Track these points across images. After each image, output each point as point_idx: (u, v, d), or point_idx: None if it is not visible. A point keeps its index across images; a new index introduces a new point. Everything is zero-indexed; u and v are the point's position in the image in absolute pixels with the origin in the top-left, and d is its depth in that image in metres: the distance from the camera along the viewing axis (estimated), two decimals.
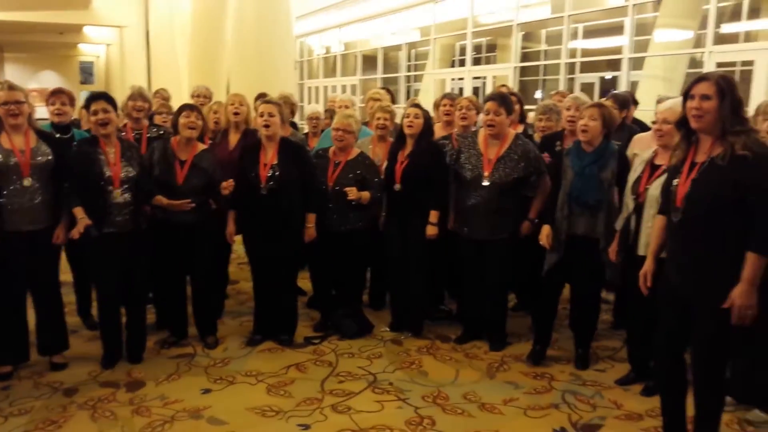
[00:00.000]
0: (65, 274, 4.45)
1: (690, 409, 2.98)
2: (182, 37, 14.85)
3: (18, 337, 3.85)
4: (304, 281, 5.33)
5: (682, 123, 2.79)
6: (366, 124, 5.26)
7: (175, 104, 5.65)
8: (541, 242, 3.90)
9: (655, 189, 3.43)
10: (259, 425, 3.32)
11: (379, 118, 4.72)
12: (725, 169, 2.61)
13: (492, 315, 4.34)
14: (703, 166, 2.69)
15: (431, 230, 4.28)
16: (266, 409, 3.48)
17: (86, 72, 28.78)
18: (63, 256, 4.07)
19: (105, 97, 3.82)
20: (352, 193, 4.22)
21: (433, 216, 4.28)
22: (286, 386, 3.77)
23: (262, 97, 5.92)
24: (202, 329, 4.38)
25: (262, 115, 4.15)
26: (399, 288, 4.60)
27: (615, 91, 5.24)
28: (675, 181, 2.79)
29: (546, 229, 3.90)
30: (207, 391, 3.70)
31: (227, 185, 4.07)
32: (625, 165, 3.80)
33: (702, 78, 2.71)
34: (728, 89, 2.63)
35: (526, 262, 4.25)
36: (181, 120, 4.09)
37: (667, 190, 2.85)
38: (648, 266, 3.04)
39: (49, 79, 25.13)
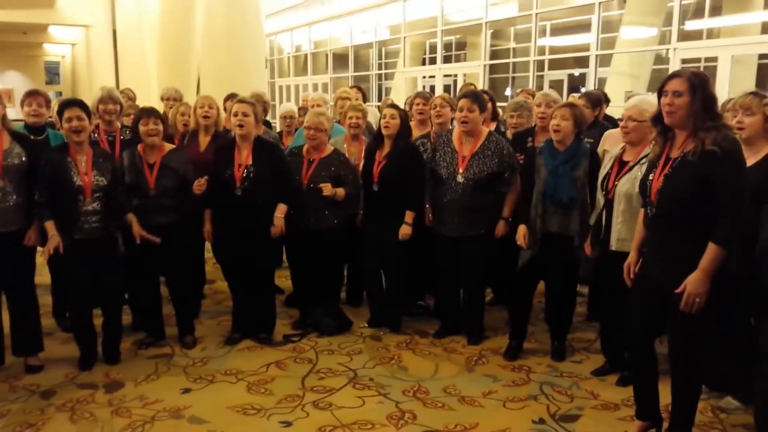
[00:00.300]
0: (43, 276, 4.41)
1: (665, 398, 3.07)
2: (151, 37, 14.68)
3: None
4: (282, 280, 5.33)
5: (657, 119, 2.86)
6: (339, 122, 5.27)
7: (145, 104, 5.61)
8: (518, 242, 3.96)
9: (623, 185, 3.51)
10: (240, 423, 3.32)
11: (351, 117, 4.74)
12: (695, 164, 2.68)
13: (469, 310, 4.39)
14: (676, 161, 2.77)
15: (405, 230, 4.32)
16: (247, 407, 3.48)
17: (52, 72, 28.25)
18: (39, 258, 4.02)
19: (79, 104, 3.79)
20: (327, 189, 4.24)
21: (409, 216, 4.32)
22: (267, 384, 3.77)
23: (232, 97, 5.93)
24: (180, 329, 4.36)
25: (236, 115, 4.14)
26: (376, 285, 4.63)
27: (587, 90, 5.33)
28: (650, 176, 2.87)
29: (522, 229, 3.95)
30: (187, 390, 3.69)
31: (199, 184, 4.06)
32: (596, 163, 3.88)
33: (674, 75, 2.78)
34: (700, 86, 2.70)
35: (503, 257, 4.31)
36: (141, 128, 4.08)
37: (643, 185, 2.92)
38: (632, 258, 3.10)
39: (14, 80, 24.61)
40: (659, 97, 2.81)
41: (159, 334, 4.35)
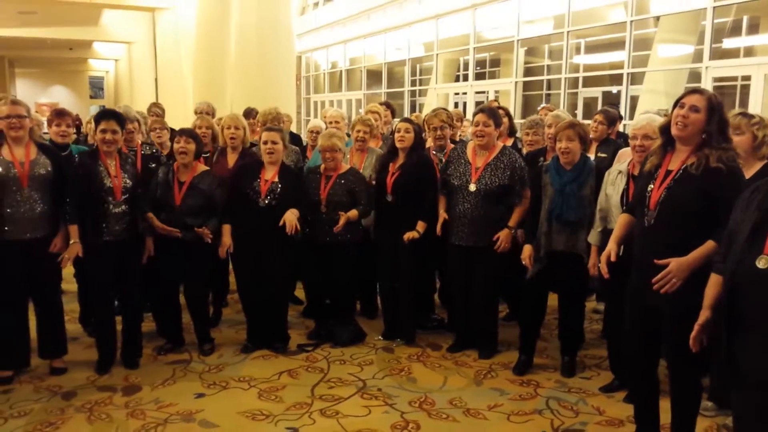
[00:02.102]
0: (71, 284, 4.59)
1: (665, 417, 3.08)
2: (187, 54, 15.11)
3: (19, 343, 3.98)
4: (301, 291, 5.45)
5: (664, 130, 2.90)
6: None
7: (182, 118, 5.83)
8: (523, 262, 4.01)
9: None
10: (248, 428, 3.43)
11: (358, 131, 4.91)
12: (698, 179, 2.73)
13: (481, 323, 4.43)
14: (677, 174, 2.81)
15: (412, 233, 4.39)
16: (256, 413, 3.59)
17: (96, 86, 29.20)
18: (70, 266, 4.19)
19: (115, 117, 4.01)
20: (341, 220, 4.34)
21: (420, 226, 4.40)
22: (278, 391, 3.87)
23: (250, 113, 6.16)
24: (199, 337, 4.50)
25: (266, 143, 4.31)
26: (391, 297, 4.71)
27: (606, 107, 5.37)
28: (650, 187, 2.90)
29: (527, 249, 4.00)
30: (200, 395, 3.81)
31: (205, 233, 4.19)
32: (602, 181, 3.91)
33: (696, 90, 2.84)
34: (718, 108, 2.77)
35: (518, 272, 4.35)
36: (174, 146, 4.30)
37: (641, 195, 2.95)
38: (611, 247, 3.13)
39: (60, 94, 25.50)
40: (674, 108, 2.84)
41: (178, 341, 4.50)
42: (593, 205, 3.87)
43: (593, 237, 3.76)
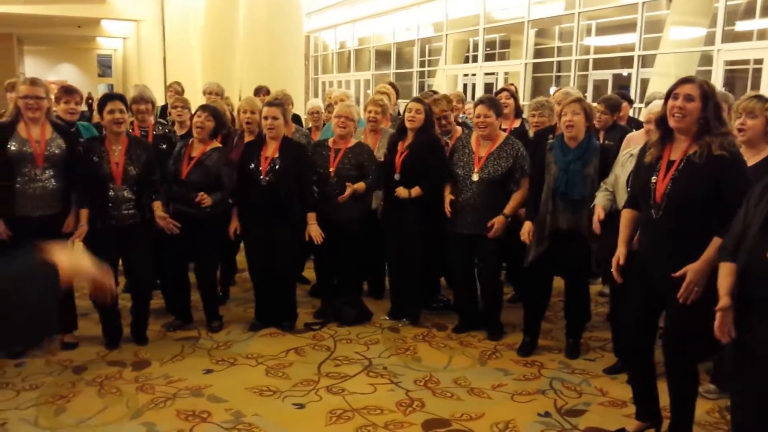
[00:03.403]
0: None
1: (665, 398, 3.11)
2: (196, 33, 15.08)
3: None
4: (309, 271, 5.49)
5: (660, 122, 2.91)
6: None
7: (191, 98, 5.84)
8: (522, 238, 4.03)
9: None
10: (256, 403, 3.49)
11: (370, 111, 4.92)
12: (703, 167, 2.74)
13: (486, 307, 4.48)
14: (680, 164, 2.81)
15: (402, 191, 4.42)
16: (264, 389, 3.65)
17: (104, 65, 29.21)
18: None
19: (120, 99, 4.05)
20: (348, 191, 4.38)
21: (416, 190, 4.42)
22: (285, 368, 3.93)
23: (260, 90, 6.18)
24: (208, 314, 4.55)
25: (266, 118, 4.34)
26: (397, 277, 4.75)
27: (609, 95, 5.35)
28: (653, 179, 2.90)
29: (527, 225, 4.03)
30: (209, 371, 3.87)
31: (201, 198, 4.20)
32: (606, 161, 3.92)
33: (686, 80, 2.84)
34: (711, 94, 2.78)
35: (522, 254, 4.37)
36: (194, 119, 4.34)
37: (644, 188, 2.94)
38: (621, 251, 3.13)
39: (68, 72, 25.50)
40: (666, 101, 2.85)
41: (186, 318, 4.56)
42: (597, 185, 3.89)
43: (601, 199, 3.74)
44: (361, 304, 4.77)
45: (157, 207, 4.17)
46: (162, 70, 18.70)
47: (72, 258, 1.28)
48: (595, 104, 4.77)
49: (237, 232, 4.43)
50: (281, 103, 4.51)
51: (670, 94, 2.85)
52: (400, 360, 4.09)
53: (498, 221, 4.21)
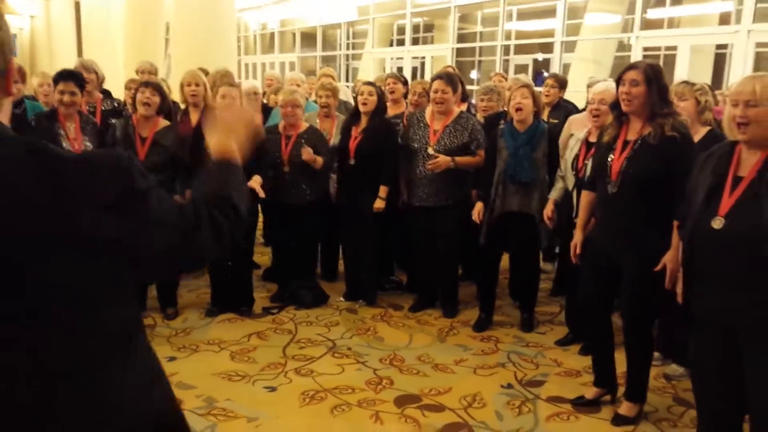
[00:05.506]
0: None
1: (620, 366, 3.34)
2: (117, 10, 14.46)
3: None
4: (257, 256, 5.47)
5: (614, 105, 3.11)
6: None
7: (112, 79, 5.65)
8: (473, 218, 4.21)
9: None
10: (226, 388, 3.49)
11: (320, 96, 4.93)
12: (656, 147, 2.95)
13: (444, 281, 4.61)
14: (635, 144, 3.02)
15: (379, 203, 4.51)
16: (232, 374, 3.65)
17: None
18: None
19: (74, 78, 3.89)
20: (306, 152, 4.38)
21: (382, 191, 4.50)
22: (249, 353, 3.94)
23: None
24: (163, 301, 4.48)
25: (224, 98, 4.24)
26: (352, 259, 4.82)
27: (555, 72, 5.62)
28: (610, 157, 3.10)
29: (479, 206, 4.21)
30: (172, 358, 3.83)
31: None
32: (554, 142, 4.16)
33: (631, 66, 3.06)
34: (654, 77, 2.99)
35: (472, 233, 4.53)
36: (138, 96, 4.19)
37: (602, 165, 3.14)
38: (578, 238, 3.38)
39: None
40: (617, 86, 3.05)
41: (140, 305, 4.47)
42: (545, 168, 4.10)
43: (554, 193, 4.00)
44: (317, 287, 4.81)
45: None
46: (76, 50, 17.84)
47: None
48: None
49: None
50: (239, 84, 4.47)
51: (619, 80, 3.05)
52: (362, 340, 4.17)
53: (443, 159, 4.25)
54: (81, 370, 1.11)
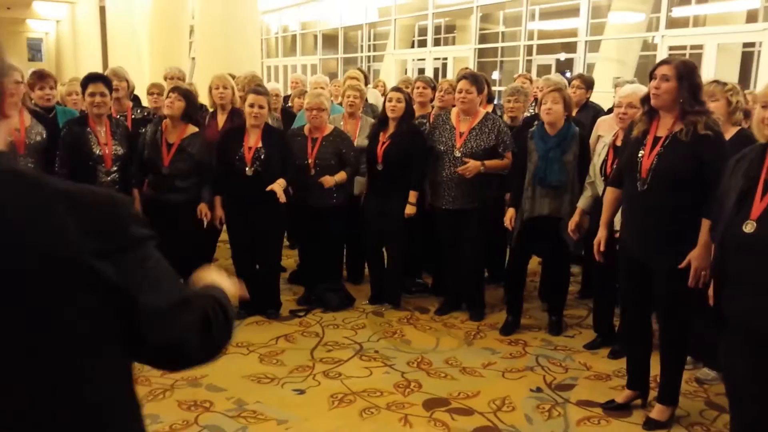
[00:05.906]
0: None
1: (653, 369, 3.31)
2: (142, 14, 14.61)
3: None
4: (283, 258, 5.49)
5: (645, 99, 3.09)
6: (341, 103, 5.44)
7: (137, 84, 5.71)
8: (505, 223, 4.18)
9: None
10: (256, 391, 3.51)
11: (349, 96, 4.94)
12: (688, 145, 2.92)
13: (470, 285, 4.59)
14: (666, 140, 2.99)
15: (410, 209, 4.50)
16: (261, 377, 3.67)
17: (34, 49, 27.91)
18: None
19: (103, 80, 3.95)
20: (327, 181, 4.42)
21: (412, 196, 4.50)
22: (278, 355, 3.96)
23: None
24: None
25: (252, 106, 4.28)
26: (378, 263, 4.83)
27: (581, 72, 5.58)
28: (640, 154, 3.06)
29: (510, 212, 4.18)
30: None
31: (201, 213, 4.31)
32: (585, 147, 4.12)
33: (664, 61, 3.03)
34: (686, 74, 2.94)
35: (500, 236, 4.52)
36: (165, 101, 4.24)
37: (631, 162, 3.10)
38: (601, 234, 3.35)
39: None
40: (650, 80, 3.02)
41: None
42: (576, 171, 4.06)
43: (582, 202, 3.94)
44: (344, 289, 4.83)
45: (136, 198, 4.12)
46: (101, 54, 18.05)
47: (220, 279, 1.34)
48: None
49: (221, 221, 4.41)
50: (268, 91, 4.50)
51: (651, 74, 3.02)
52: (389, 343, 4.18)
53: (473, 164, 4.25)
54: None
